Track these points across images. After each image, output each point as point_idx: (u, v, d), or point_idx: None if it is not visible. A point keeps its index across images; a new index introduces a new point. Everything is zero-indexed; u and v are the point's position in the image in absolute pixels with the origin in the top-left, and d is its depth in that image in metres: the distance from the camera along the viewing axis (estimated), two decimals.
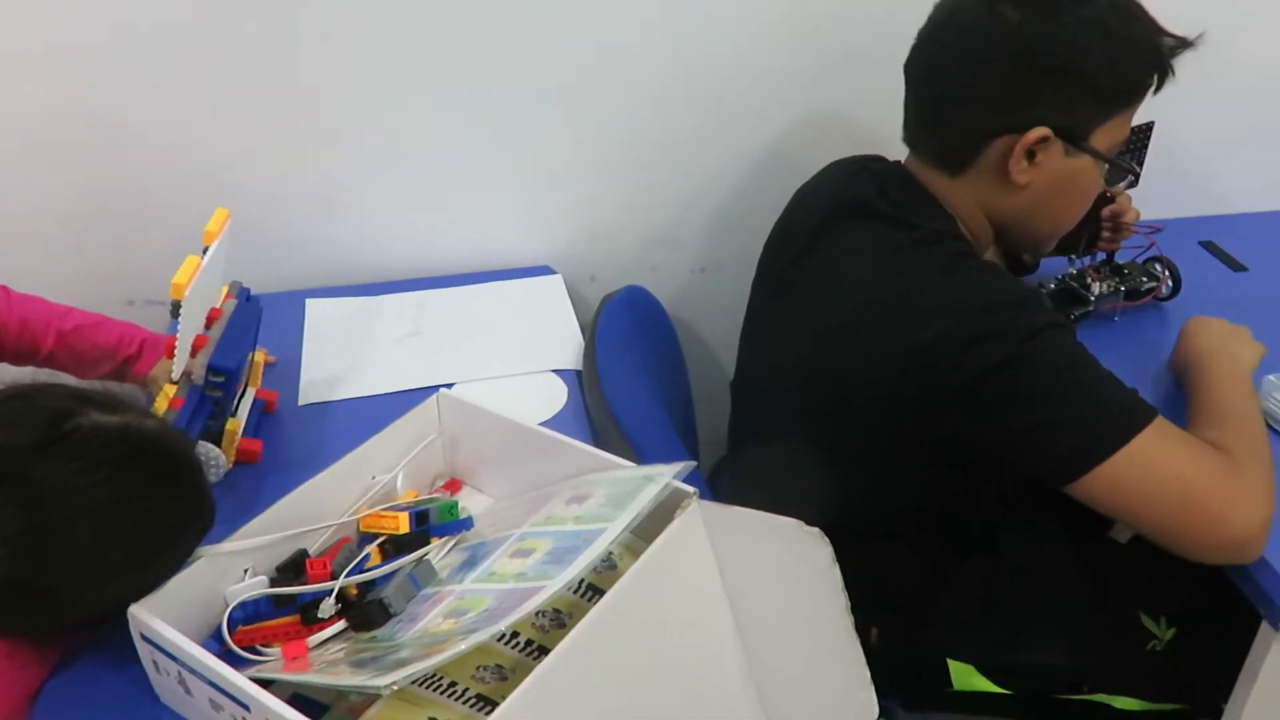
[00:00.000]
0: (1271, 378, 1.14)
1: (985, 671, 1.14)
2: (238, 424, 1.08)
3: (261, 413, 1.18)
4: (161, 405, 1.00)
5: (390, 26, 1.31)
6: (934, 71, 1.05)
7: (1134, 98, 1.03)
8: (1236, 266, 1.42)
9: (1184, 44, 1.02)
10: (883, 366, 0.99)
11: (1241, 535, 0.93)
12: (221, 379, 1.02)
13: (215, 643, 0.81)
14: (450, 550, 0.92)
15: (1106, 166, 1.05)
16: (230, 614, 0.82)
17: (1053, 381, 0.94)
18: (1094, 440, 0.93)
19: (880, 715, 1.04)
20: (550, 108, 1.41)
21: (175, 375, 1.01)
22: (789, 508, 0.86)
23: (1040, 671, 1.14)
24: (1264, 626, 0.98)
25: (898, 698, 1.14)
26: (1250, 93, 1.54)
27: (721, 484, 1.40)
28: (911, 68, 1.08)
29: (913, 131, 1.10)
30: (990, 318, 0.95)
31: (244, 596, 0.83)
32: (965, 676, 1.14)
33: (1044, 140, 1.00)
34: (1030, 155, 1.01)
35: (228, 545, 0.83)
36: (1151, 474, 0.93)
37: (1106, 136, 1.03)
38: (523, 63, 1.37)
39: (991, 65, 0.99)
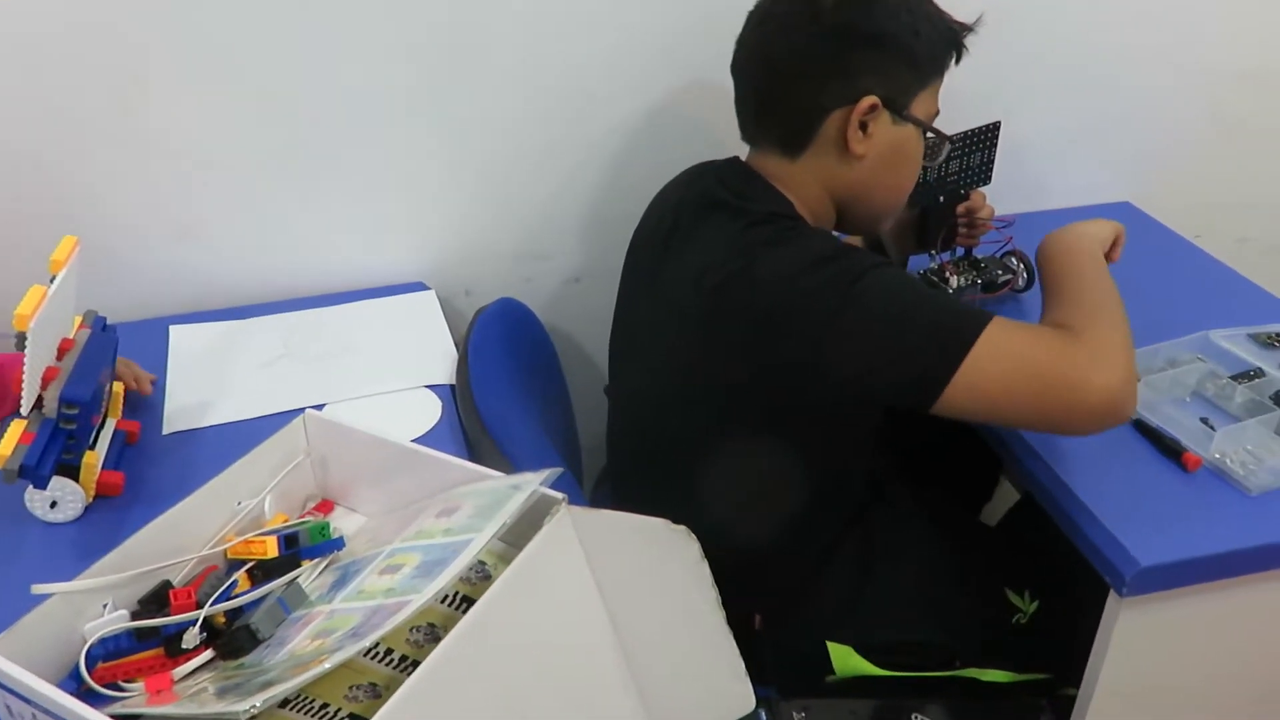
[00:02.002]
0: None
1: (863, 652, 1.18)
2: (96, 456, 1.05)
3: (124, 444, 1.14)
4: (11, 441, 0.96)
5: (241, 42, 1.29)
6: (762, 62, 1.11)
7: (940, 69, 1.11)
8: None
9: (967, 28, 1.11)
10: (734, 346, 1.02)
11: (1103, 399, 0.95)
12: (75, 410, 0.98)
13: (73, 682, 0.78)
14: (322, 571, 0.91)
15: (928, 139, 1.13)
16: (89, 651, 0.79)
17: (887, 314, 0.97)
18: (941, 354, 0.96)
19: (761, 704, 1.07)
20: (413, 123, 1.40)
21: (25, 409, 0.97)
22: (669, 509, 0.88)
23: (913, 649, 1.18)
24: (1111, 594, 1.04)
25: (777, 686, 1.16)
26: (1088, 91, 1.62)
27: (604, 491, 1.42)
28: (739, 66, 1.14)
29: (749, 126, 1.15)
30: (815, 274, 0.99)
31: (103, 632, 0.80)
32: (845, 658, 1.18)
33: (873, 109, 1.06)
34: (863, 126, 1.07)
35: (80, 582, 0.80)
36: (1001, 368, 0.96)
37: (923, 107, 1.10)
38: (382, 79, 1.36)
39: (816, 44, 1.06)
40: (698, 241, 1.10)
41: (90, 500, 1.05)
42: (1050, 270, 1.12)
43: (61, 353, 1.04)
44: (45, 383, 0.99)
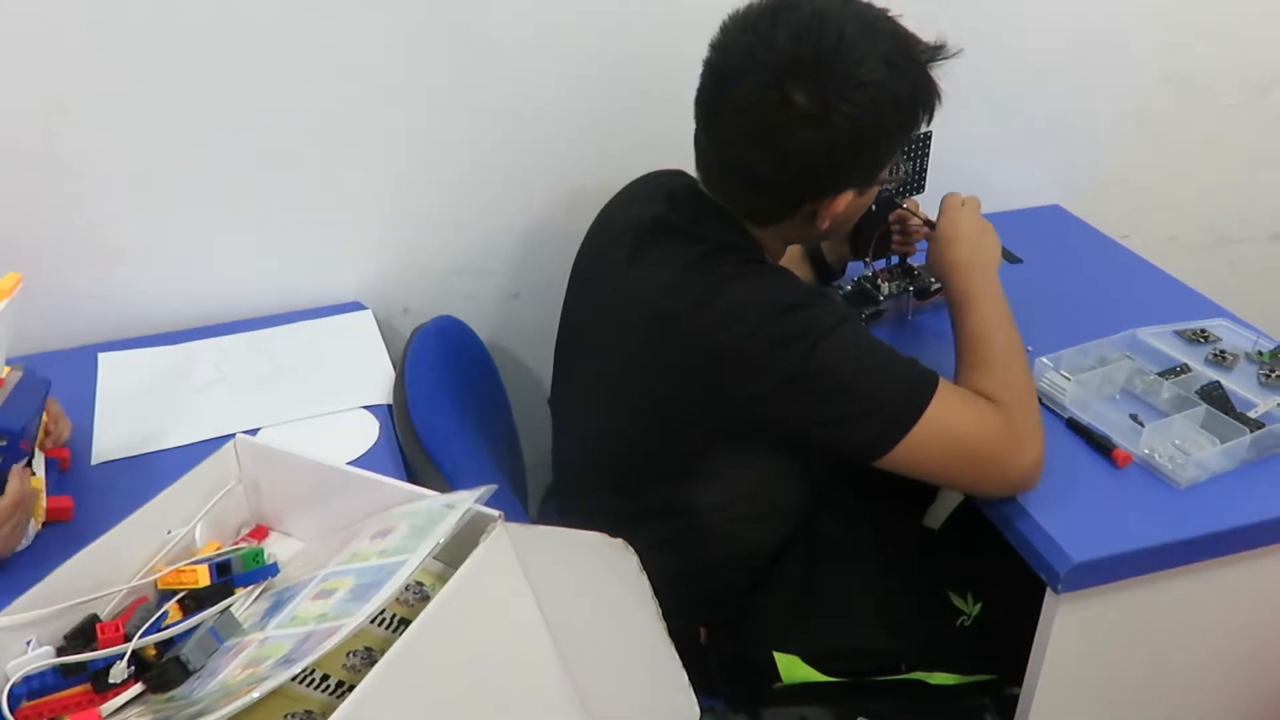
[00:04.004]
0: (1044, 359, 1.23)
1: (810, 660, 1.18)
2: (41, 481, 1.02)
3: (59, 471, 1.12)
4: None
5: (168, 64, 1.27)
6: (740, 159, 1.05)
7: (915, 132, 1.08)
8: (1013, 259, 1.53)
9: (943, 53, 1.06)
10: (689, 373, 1.03)
11: (1021, 475, 1.07)
12: (3, 442, 0.97)
13: None
14: (256, 599, 0.89)
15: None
16: (11, 690, 0.77)
17: (847, 376, 1.01)
18: (889, 425, 1.01)
19: (707, 715, 1.07)
20: (347, 141, 1.39)
21: None
22: (614, 524, 0.88)
23: (859, 655, 1.19)
24: (1049, 592, 1.05)
25: (725, 698, 1.16)
26: (1017, 97, 1.66)
27: (551, 507, 1.41)
28: (710, 137, 1.07)
29: (715, 188, 1.10)
30: (780, 322, 1.00)
31: (26, 670, 0.78)
32: (791, 667, 1.18)
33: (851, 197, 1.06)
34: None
35: (0, 619, 0.78)
36: (942, 444, 1.03)
37: (891, 163, 1.10)
38: (315, 98, 1.35)
39: (801, 156, 1.01)
40: (650, 263, 1.09)
41: (39, 529, 1.02)
42: (972, 321, 1.14)
43: None
44: None
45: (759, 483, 1.12)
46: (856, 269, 1.42)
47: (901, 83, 1.00)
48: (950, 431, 1.03)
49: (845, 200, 1.06)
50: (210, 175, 1.35)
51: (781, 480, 1.15)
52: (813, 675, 1.18)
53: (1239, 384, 1.21)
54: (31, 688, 0.79)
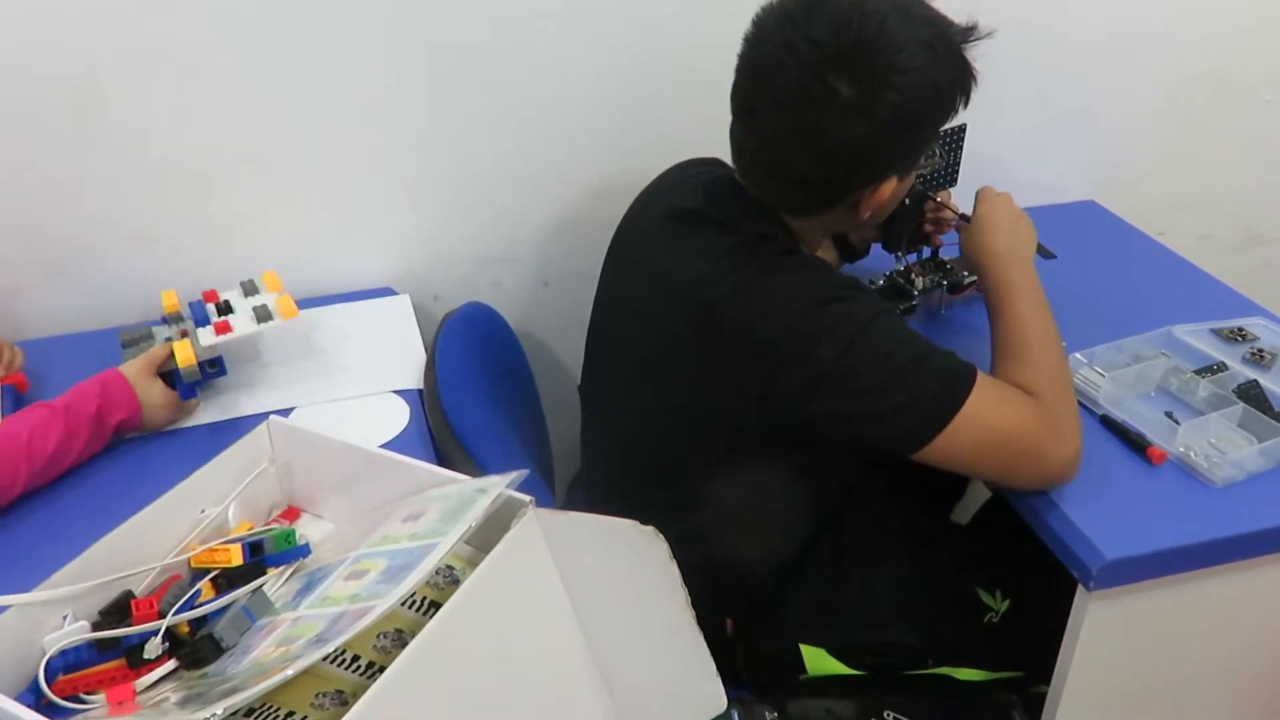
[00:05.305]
0: (1078, 355, 1.22)
1: (836, 654, 1.18)
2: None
3: (16, 394, 1.22)
4: (188, 352, 1.17)
5: (202, 49, 1.28)
6: (782, 157, 1.03)
7: (952, 117, 1.07)
8: (1046, 254, 1.50)
9: (975, 34, 1.04)
10: (722, 365, 1.03)
11: (1058, 468, 1.06)
12: (214, 369, 1.22)
13: (32, 695, 0.77)
14: (288, 579, 0.90)
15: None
16: (48, 663, 0.78)
17: (884, 370, 1.00)
18: (927, 419, 1.01)
19: (734, 705, 1.06)
20: (380, 128, 1.40)
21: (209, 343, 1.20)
22: (642, 513, 0.88)
23: (887, 650, 1.18)
24: (1080, 590, 1.04)
25: (750, 689, 1.16)
26: (1052, 91, 1.64)
27: (578, 494, 1.41)
28: (748, 132, 1.05)
29: (754, 182, 1.09)
30: (820, 314, 1.00)
31: (63, 644, 0.79)
32: (818, 660, 1.18)
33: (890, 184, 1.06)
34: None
35: (38, 593, 0.79)
36: (979, 436, 1.02)
37: (930, 147, 1.10)
38: (350, 84, 1.36)
39: (844, 149, 1.00)
40: (684, 254, 1.08)
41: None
42: (1010, 313, 1.13)
43: None
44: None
45: (788, 476, 1.12)
46: (888, 261, 1.41)
47: (941, 67, 1.00)
48: (988, 424, 1.02)
49: (888, 188, 1.05)
50: (247, 160, 1.36)
51: (811, 474, 1.14)
52: (839, 668, 1.17)
53: (1278, 383, 1.20)
54: (67, 661, 0.80)
